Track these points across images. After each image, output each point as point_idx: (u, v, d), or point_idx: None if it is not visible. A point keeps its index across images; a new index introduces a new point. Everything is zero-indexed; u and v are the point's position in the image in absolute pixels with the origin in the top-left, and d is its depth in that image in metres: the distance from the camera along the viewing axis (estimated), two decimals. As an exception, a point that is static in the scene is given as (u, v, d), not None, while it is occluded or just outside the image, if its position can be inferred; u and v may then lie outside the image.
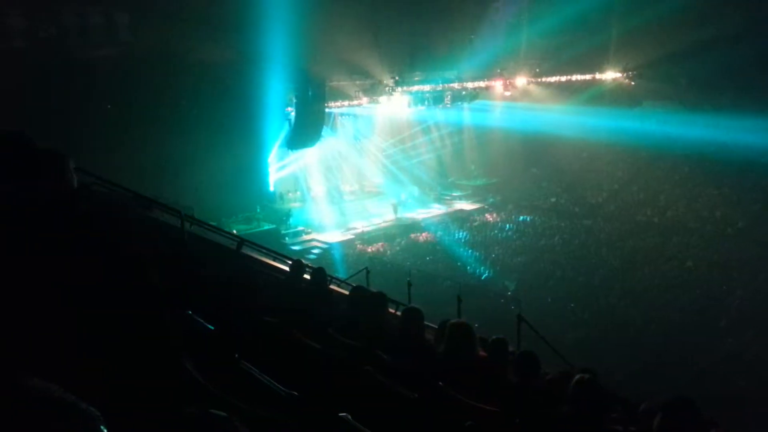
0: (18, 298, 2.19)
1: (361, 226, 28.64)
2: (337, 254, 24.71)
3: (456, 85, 30.94)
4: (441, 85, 30.28)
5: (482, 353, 5.06)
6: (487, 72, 29.98)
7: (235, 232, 13.70)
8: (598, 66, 29.94)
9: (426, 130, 34.66)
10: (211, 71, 19.74)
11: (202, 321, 3.83)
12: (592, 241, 25.42)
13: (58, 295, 2.26)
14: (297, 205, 28.76)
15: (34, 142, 3.08)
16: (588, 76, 30.43)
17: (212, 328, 3.67)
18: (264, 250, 9.25)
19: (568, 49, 27.99)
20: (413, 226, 28.91)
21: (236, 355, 3.29)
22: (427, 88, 29.96)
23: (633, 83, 29.56)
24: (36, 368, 1.37)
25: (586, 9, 23.90)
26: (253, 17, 19.49)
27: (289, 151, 27.73)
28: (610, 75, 29.94)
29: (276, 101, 24.37)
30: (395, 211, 29.86)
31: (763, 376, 14.80)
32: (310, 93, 24.59)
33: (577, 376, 4.20)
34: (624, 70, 29.45)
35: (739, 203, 25.16)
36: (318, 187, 30.05)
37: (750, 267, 20.72)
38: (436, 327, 6.22)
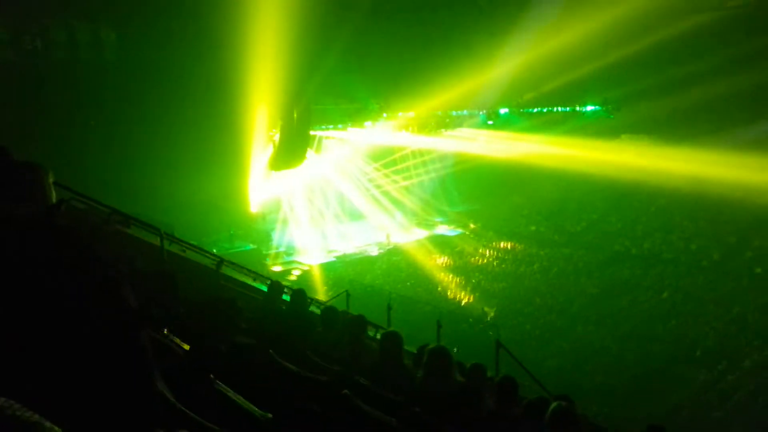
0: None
1: (343, 248, 28.57)
2: (317, 276, 24.60)
3: (440, 113, 31.32)
4: (426, 112, 30.63)
5: (460, 379, 5.05)
6: (471, 101, 30.37)
7: (215, 251, 13.57)
8: (578, 98, 30.56)
9: (409, 156, 34.91)
10: (196, 90, 19.73)
11: (177, 341, 3.77)
12: (571, 269, 25.63)
13: (30, 311, 2.22)
14: (279, 226, 28.64)
15: (12, 156, 3.05)
16: (568, 108, 31.05)
17: (187, 347, 3.62)
18: (244, 271, 9.17)
19: (550, 81, 28.54)
20: (394, 251, 28.96)
21: (211, 376, 3.24)
22: (411, 114, 30.26)
23: (612, 116, 30.21)
24: (1, 386, 1.33)
25: (568, 43, 24.41)
26: (240, 38, 19.58)
27: (273, 172, 27.69)
28: (590, 107, 30.56)
29: (261, 122, 24.39)
30: (388, 240, 30.14)
31: (737, 406, 14.94)
32: (295, 115, 24.66)
33: (554, 404, 4.20)
34: (604, 103, 30.09)
35: (714, 236, 25.59)
36: (300, 209, 30.00)
37: (725, 299, 21.00)
38: (415, 352, 6.20)
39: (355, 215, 32.30)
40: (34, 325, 2.18)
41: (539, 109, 31.96)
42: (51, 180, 3.04)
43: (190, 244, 8.26)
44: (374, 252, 29.28)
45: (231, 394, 3.24)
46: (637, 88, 26.81)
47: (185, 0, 18.30)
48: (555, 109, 31.94)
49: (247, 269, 9.34)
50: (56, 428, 1.18)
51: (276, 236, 27.84)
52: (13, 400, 1.18)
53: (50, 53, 18.80)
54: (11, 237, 2.52)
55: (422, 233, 32.30)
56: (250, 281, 9.07)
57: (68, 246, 2.69)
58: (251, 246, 25.69)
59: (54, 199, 3.10)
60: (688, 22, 23.77)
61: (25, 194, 2.83)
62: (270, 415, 3.16)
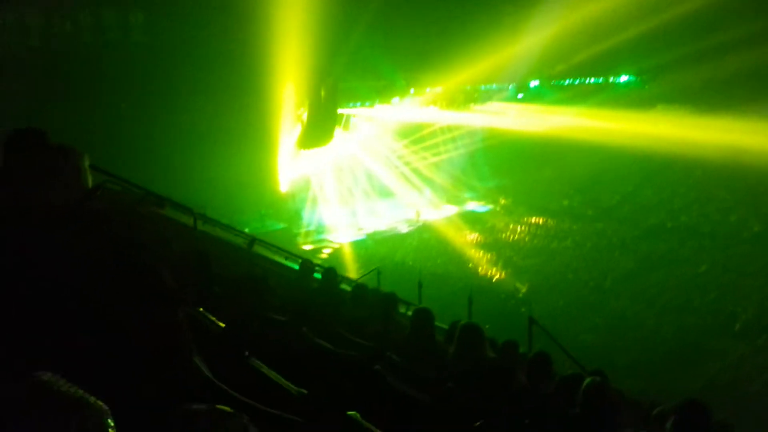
0: (33, 295, 2.22)
1: (373, 226, 28.64)
2: (348, 254, 24.75)
3: (468, 87, 30.91)
4: (454, 86, 30.27)
5: (492, 355, 5.05)
6: (500, 74, 29.88)
7: (246, 230, 13.74)
8: (611, 69, 29.76)
9: (438, 132, 34.61)
10: (224, 70, 19.82)
11: (213, 319, 3.85)
12: (605, 244, 25.25)
13: (72, 292, 2.28)
14: (308, 205, 28.82)
15: (50, 140, 3.11)
16: (600, 79, 30.31)
17: (223, 325, 3.69)
18: (275, 249, 9.28)
19: (581, 52, 27.84)
20: (425, 227, 28.90)
21: (246, 353, 3.31)
22: (439, 89, 29.94)
23: (646, 86, 29.40)
24: (47, 364, 1.39)
25: (599, 11, 23.72)
26: (267, 16, 19.55)
27: (301, 151, 27.79)
28: (624, 78, 29.77)
29: (288, 101, 24.43)
30: (418, 217, 30.10)
31: (776, 381, 14.66)
32: (322, 93, 24.63)
33: (588, 379, 4.18)
34: (638, 73, 29.26)
35: (753, 207, 24.88)
36: (330, 188, 30.10)
37: (765, 271, 20.48)
38: (447, 328, 6.21)
39: (385, 193, 32.26)
40: (76, 306, 2.25)
41: (571, 80, 31.26)
42: (87, 164, 3.10)
43: (222, 224, 8.37)
44: (404, 229, 29.26)
45: (265, 369, 3.31)
46: (671, 57, 25.99)
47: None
48: (587, 80, 31.21)
49: (279, 248, 9.44)
50: (100, 402, 1.22)
51: (306, 215, 28.01)
52: (59, 376, 1.23)
53: (79, 37, 19.05)
54: (53, 222, 2.59)
55: (452, 209, 32.13)
56: (281, 260, 9.17)
57: (106, 230, 2.76)
58: (282, 225, 25.92)
59: (90, 183, 3.16)
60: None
61: (64, 179, 2.89)
62: (305, 391, 3.21)
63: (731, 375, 15.28)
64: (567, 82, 31.31)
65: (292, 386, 3.20)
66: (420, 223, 29.83)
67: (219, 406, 1.55)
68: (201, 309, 4.05)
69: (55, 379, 1.23)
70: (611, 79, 31.02)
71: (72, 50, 18.42)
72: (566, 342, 7.91)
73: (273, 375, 3.25)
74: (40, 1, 17.97)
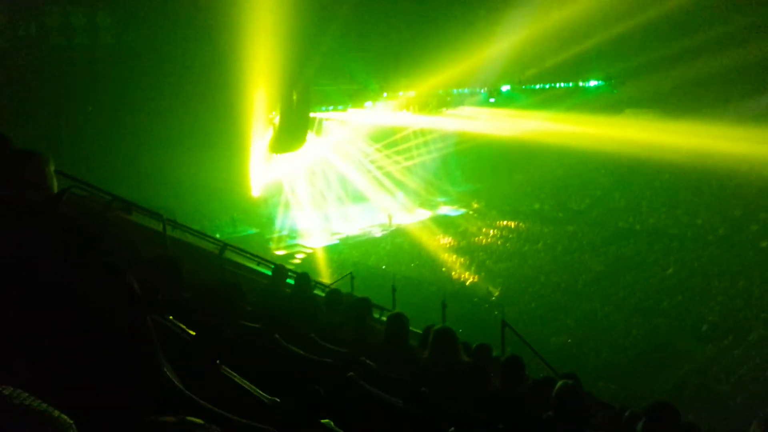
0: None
1: (346, 230, 28.59)
2: (321, 259, 24.64)
3: (441, 92, 31.09)
4: (427, 91, 30.40)
5: (466, 359, 5.05)
6: (471, 79, 30.11)
7: (218, 236, 13.58)
8: (581, 73, 30.24)
9: (411, 136, 34.74)
10: (194, 73, 19.57)
11: (183, 326, 3.77)
12: (576, 246, 25.62)
13: (33, 300, 2.21)
14: (281, 209, 28.63)
15: (13, 144, 3.02)
16: (570, 84, 30.78)
17: (193, 333, 3.62)
18: (247, 255, 9.17)
19: (551, 57, 28.23)
20: (398, 232, 28.96)
21: (217, 362, 3.24)
22: (412, 93, 30.04)
23: (615, 91, 29.95)
24: (7, 375, 1.33)
25: (568, 16, 24.10)
26: (238, 19, 19.37)
27: (274, 154, 27.59)
28: (593, 82, 30.28)
29: (260, 105, 24.24)
30: (390, 221, 30.13)
31: (743, 380, 15.00)
32: (294, 97, 24.50)
33: (560, 382, 4.20)
34: (607, 78, 29.80)
35: (719, 210, 25.50)
36: (302, 192, 29.96)
37: (730, 273, 20.99)
38: (420, 333, 6.20)
39: (358, 197, 32.25)
40: (38, 315, 2.18)
41: (541, 85, 31.66)
42: (52, 168, 3.02)
43: (192, 229, 8.24)
44: (378, 234, 29.28)
45: (237, 378, 3.25)
46: (639, 61, 26.52)
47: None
48: (557, 85, 31.65)
49: (251, 254, 9.33)
50: (64, 416, 1.18)
51: (278, 220, 27.83)
52: (20, 389, 1.18)
53: (46, 39, 18.62)
54: (14, 226, 2.51)
55: (425, 214, 32.27)
56: (253, 265, 9.07)
57: (71, 235, 2.68)
58: (254, 230, 25.70)
59: (56, 188, 3.08)
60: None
61: (28, 183, 2.82)
62: (277, 400, 3.16)
63: (699, 376, 15.59)
64: (537, 86, 31.71)
65: (265, 395, 3.15)
66: (393, 227, 29.89)
67: (189, 418, 1.51)
68: (170, 317, 3.97)
69: (17, 393, 1.17)
70: (581, 84, 31.52)
71: (38, 53, 18.01)
72: (538, 345, 7.99)
73: (245, 384, 3.19)
74: (5, 2, 17.52)
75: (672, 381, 15.36)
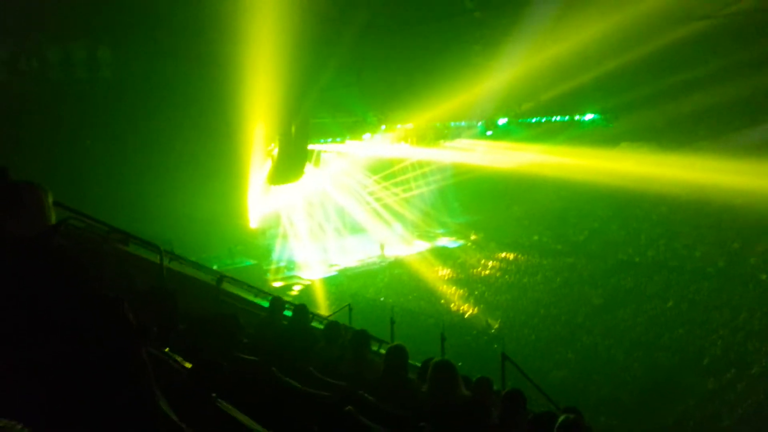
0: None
1: (344, 262, 28.51)
2: (319, 291, 24.52)
3: (439, 124, 31.40)
4: (424, 123, 30.69)
5: (466, 392, 4.98)
6: (468, 112, 30.44)
7: (215, 267, 13.52)
8: (577, 107, 30.60)
9: (409, 168, 34.96)
10: (194, 106, 19.76)
11: (179, 359, 3.73)
12: (575, 279, 25.54)
13: (30, 332, 2.19)
14: (279, 241, 28.60)
15: (11, 176, 3.03)
16: (566, 117, 31.13)
17: (189, 366, 3.57)
18: (245, 286, 9.12)
19: (547, 91, 28.59)
20: (396, 263, 28.88)
21: (213, 395, 3.20)
22: (410, 126, 30.33)
23: (611, 125, 30.28)
24: (3, 407, 1.30)
25: (564, 51, 24.50)
26: (236, 53, 19.65)
27: (272, 186, 27.69)
28: (589, 116, 30.63)
29: (258, 137, 24.42)
30: (382, 250, 30.10)
31: (746, 415, 14.80)
32: (293, 129, 24.71)
33: (562, 417, 4.13)
34: (602, 112, 30.15)
35: (718, 243, 25.52)
36: (300, 224, 29.97)
37: (731, 306, 20.89)
38: (419, 366, 6.13)
39: (356, 229, 32.26)
40: (34, 346, 2.16)
41: (537, 118, 32.01)
42: (51, 200, 3.03)
43: (189, 261, 8.21)
44: (376, 265, 29.20)
45: (233, 411, 3.20)
46: (635, 95, 26.84)
47: (181, 17, 18.35)
48: (553, 118, 32.00)
49: (248, 285, 9.28)
50: None
51: (276, 251, 27.78)
52: (16, 421, 1.16)
53: (46, 73, 18.87)
54: (11, 258, 2.50)
55: (424, 245, 32.23)
56: (251, 297, 9.01)
57: (68, 266, 2.67)
58: (251, 262, 25.63)
59: (54, 219, 3.09)
60: (685, 29, 23.85)
61: (26, 215, 2.83)
62: (274, 434, 3.11)
63: (702, 411, 15.39)
64: (534, 119, 32.05)
65: (262, 429, 3.10)
66: (384, 258, 29.81)
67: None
68: (166, 349, 3.93)
69: (11, 424, 1.15)
70: (577, 117, 31.86)
71: (38, 86, 18.20)
72: (539, 378, 7.90)
73: (242, 417, 3.14)
74: (5, 35, 17.78)
75: (674, 415, 15.16)
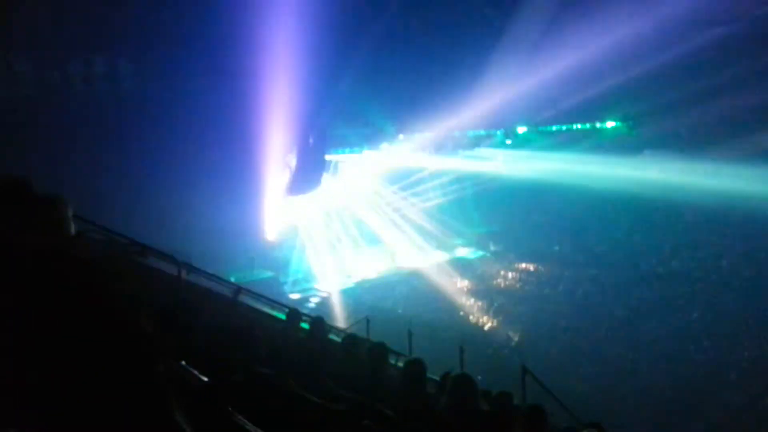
0: (6, 345, 2.14)
1: (362, 274, 28.47)
2: (336, 303, 24.49)
3: (457, 133, 31.36)
4: (443, 133, 30.68)
5: (486, 407, 4.89)
6: (488, 120, 30.36)
7: (233, 279, 13.59)
8: (598, 115, 30.35)
9: (427, 178, 34.90)
10: (212, 117, 20.01)
11: (195, 372, 3.71)
12: (597, 290, 25.18)
13: (48, 344, 2.20)
14: (296, 252, 28.66)
15: (33, 188, 3.07)
16: (587, 125, 30.88)
17: (206, 379, 3.55)
18: (262, 299, 9.12)
19: (568, 99, 28.41)
20: (415, 275, 28.74)
21: (230, 408, 3.17)
22: (428, 135, 30.33)
23: (633, 132, 29.96)
24: (20, 419, 1.28)
25: (584, 58, 24.35)
26: (255, 65, 19.87)
27: (289, 197, 27.83)
28: (610, 123, 30.36)
29: (276, 148, 24.61)
30: (393, 260, 30.02)
31: (775, 430, 14.43)
32: (311, 140, 24.87)
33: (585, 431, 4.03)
34: (624, 119, 29.85)
35: (744, 252, 25.02)
36: (318, 235, 30.03)
37: (758, 317, 20.43)
38: (438, 379, 6.05)
39: (374, 240, 32.24)
40: (51, 358, 2.17)
41: (558, 126, 31.80)
42: (70, 212, 3.07)
43: (207, 273, 8.24)
44: (394, 277, 29.10)
45: (250, 426, 3.17)
46: (658, 102, 26.55)
47: (200, 30, 18.65)
48: (574, 126, 31.76)
49: (265, 297, 9.29)
50: None
51: (294, 263, 27.84)
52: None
53: (69, 86, 19.24)
54: (31, 269, 2.52)
55: (442, 256, 32.06)
56: (268, 309, 9.01)
57: (86, 279, 2.68)
58: (269, 274, 25.71)
59: (73, 231, 3.12)
60: (709, 34, 23.57)
61: (46, 227, 2.87)
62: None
63: (730, 426, 15.02)
64: (554, 128, 31.85)
65: (277, 444, 3.05)
66: (397, 268, 29.69)
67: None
68: (183, 362, 3.91)
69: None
70: (598, 125, 31.60)
71: (60, 99, 18.56)
72: (560, 392, 7.74)
73: (258, 431, 3.11)
74: (29, 50, 18.19)
75: (701, 430, 14.80)
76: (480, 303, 24.82)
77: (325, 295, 25.69)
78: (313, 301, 24.78)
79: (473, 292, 26.40)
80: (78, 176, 16.18)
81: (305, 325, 7.66)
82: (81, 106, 18.63)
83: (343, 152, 28.92)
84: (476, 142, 33.11)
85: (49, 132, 17.04)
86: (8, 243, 2.66)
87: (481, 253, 32.31)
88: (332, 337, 8.53)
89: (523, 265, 29.20)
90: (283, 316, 8.30)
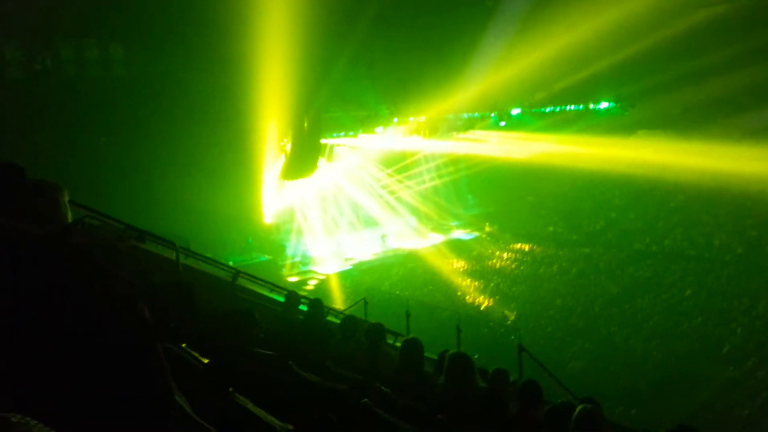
0: (6, 335, 2.14)
1: (359, 256, 28.56)
2: (334, 285, 24.59)
3: (451, 116, 31.25)
4: (437, 115, 30.57)
5: (482, 384, 4.97)
6: (481, 103, 30.26)
7: (231, 263, 13.62)
8: (591, 96, 30.31)
9: (422, 161, 34.87)
10: (207, 102, 19.87)
11: (195, 354, 3.75)
12: (591, 269, 25.35)
13: (46, 330, 2.21)
14: (293, 236, 28.70)
15: (28, 175, 3.05)
16: (581, 106, 30.85)
17: (206, 361, 3.60)
18: (260, 282, 9.16)
19: (561, 80, 28.33)
20: (411, 256, 28.85)
21: (230, 389, 3.21)
22: (422, 118, 30.21)
23: (626, 113, 29.96)
24: (20, 404, 1.31)
25: (577, 39, 24.24)
26: (248, 49, 19.70)
27: (285, 181, 27.78)
28: (604, 104, 30.32)
29: (271, 132, 24.50)
30: (383, 243, 30.11)
31: (766, 403, 14.63)
32: (305, 124, 24.74)
33: (580, 407, 4.11)
34: (618, 100, 29.82)
35: (736, 230, 25.19)
36: (314, 218, 30.04)
37: (750, 294, 20.63)
38: (435, 358, 6.13)
39: (370, 222, 32.27)
40: (50, 344, 2.18)
41: (552, 108, 31.75)
42: (66, 198, 3.05)
43: (205, 257, 8.26)
44: (390, 258, 29.21)
45: (250, 406, 3.21)
46: (651, 83, 26.52)
47: (193, 14, 18.44)
48: (568, 107, 31.72)
49: (263, 280, 9.33)
50: None
51: (291, 246, 27.89)
52: (30, 416, 1.16)
53: (60, 71, 19.05)
54: (27, 257, 2.52)
55: (438, 238, 32.16)
56: (266, 292, 9.06)
57: (84, 264, 2.69)
58: (266, 257, 25.76)
59: (70, 218, 3.10)
60: (700, 14, 23.50)
61: (42, 214, 2.84)
62: (291, 427, 3.12)
63: (722, 400, 15.23)
64: (548, 109, 31.79)
65: (278, 422, 3.11)
66: (387, 250, 29.79)
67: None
68: (183, 345, 3.95)
69: (25, 420, 1.16)
70: (591, 106, 31.56)
71: (52, 84, 18.40)
72: (556, 369, 7.84)
73: (258, 411, 3.16)
74: (21, 35, 17.98)
75: (693, 405, 15.01)
76: (476, 283, 24.95)
77: (322, 277, 25.78)
78: (311, 284, 24.87)
79: (469, 273, 26.53)
80: (72, 162, 16.12)
81: (304, 307, 7.72)
82: (73, 92, 18.48)
83: (339, 136, 28.80)
84: (470, 124, 33.00)
85: (42, 118, 16.92)
86: (3, 230, 2.65)
87: (476, 234, 32.41)
88: (330, 318, 8.60)
89: (518, 246, 29.33)
90: (281, 299, 8.35)
